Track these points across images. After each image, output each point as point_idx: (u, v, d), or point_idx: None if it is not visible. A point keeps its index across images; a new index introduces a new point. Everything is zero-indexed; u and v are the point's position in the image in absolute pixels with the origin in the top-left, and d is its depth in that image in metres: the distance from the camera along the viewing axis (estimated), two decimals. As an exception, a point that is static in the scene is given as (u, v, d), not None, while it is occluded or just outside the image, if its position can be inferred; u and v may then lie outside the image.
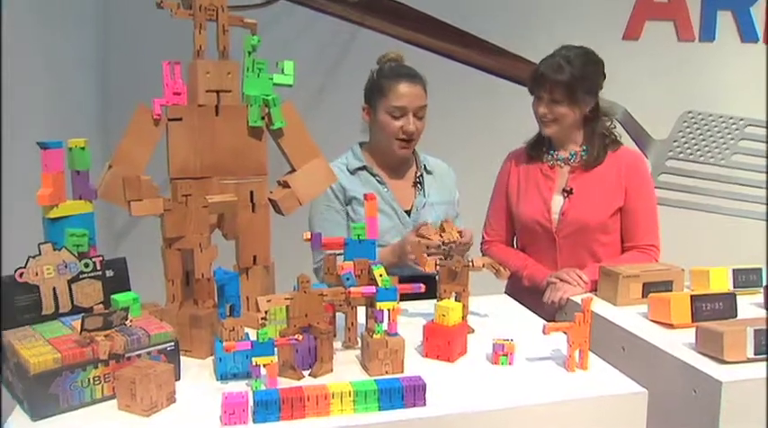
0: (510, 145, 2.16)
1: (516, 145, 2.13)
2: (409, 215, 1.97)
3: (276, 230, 1.48)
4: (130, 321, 1.23)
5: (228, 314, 1.30)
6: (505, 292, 2.01)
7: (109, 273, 1.30)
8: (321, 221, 1.92)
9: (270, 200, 1.48)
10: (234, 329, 1.25)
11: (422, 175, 2.02)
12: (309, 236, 1.40)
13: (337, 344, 1.39)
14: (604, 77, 1.95)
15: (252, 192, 1.45)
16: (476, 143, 3.12)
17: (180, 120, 1.37)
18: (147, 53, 2.10)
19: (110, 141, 2.30)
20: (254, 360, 1.17)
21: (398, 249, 1.78)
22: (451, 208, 2.04)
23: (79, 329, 1.14)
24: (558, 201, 1.99)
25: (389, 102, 1.88)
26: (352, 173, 1.97)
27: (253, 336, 1.24)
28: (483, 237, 2.15)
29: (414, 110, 1.89)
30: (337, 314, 1.40)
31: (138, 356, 1.18)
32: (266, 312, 1.21)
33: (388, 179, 1.99)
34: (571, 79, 1.88)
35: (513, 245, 2.13)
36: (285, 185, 1.49)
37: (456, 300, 1.48)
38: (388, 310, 1.26)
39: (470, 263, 1.49)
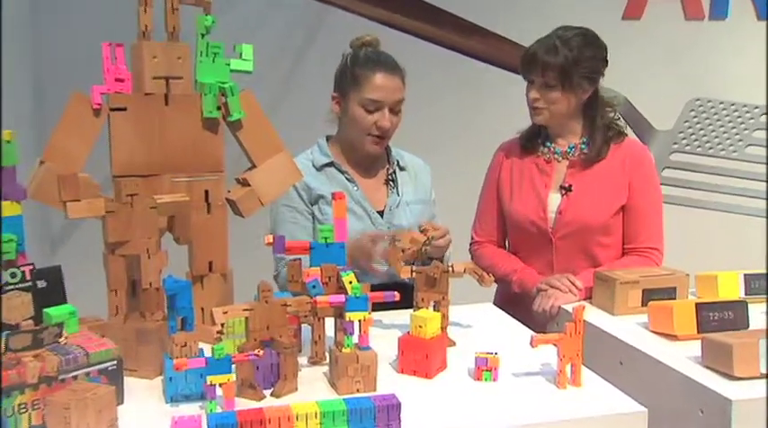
0: (495, 140, 2.18)
1: (503, 140, 2.15)
2: (382, 216, 1.98)
3: (234, 233, 1.49)
4: (65, 338, 1.22)
5: (180, 327, 1.30)
6: (495, 302, 2.03)
7: (41, 284, 1.29)
8: (284, 223, 1.93)
9: (227, 200, 1.49)
10: (186, 344, 1.26)
11: (395, 172, 2.04)
12: (271, 240, 1.40)
13: (302, 360, 1.39)
14: (606, 64, 1.97)
15: (207, 191, 1.46)
16: (456, 138, 3.13)
17: (124, 110, 1.37)
18: (84, 33, 2.09)
19: (43, 133, 2.28)
20: (208, 379, 1.16)
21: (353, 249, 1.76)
22: (428, 208, 2.06)
23: (2, 349, 1.12)
24: (554, 199, 2.00)
25: (364, 95, 1.90)
26: (319, 169, 1.98)
27: (208, 352, 1.24)
28: (472, 238, 2.17)
29: (390, 104, 1.91)
30: (302, 326, 1.41)
31: (75, 378, 1.16)
32: (223, 325, 1.23)
33: (358, 176, 2.00)
34: (566, 62, 1.89)
35: (505, 247, 2.15)
36: (244, 183, 1.50)
37: (434, 310, 1.49)
38: (359, 321, 1.27)
39: (450, 269, 1.50)
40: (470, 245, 2.17)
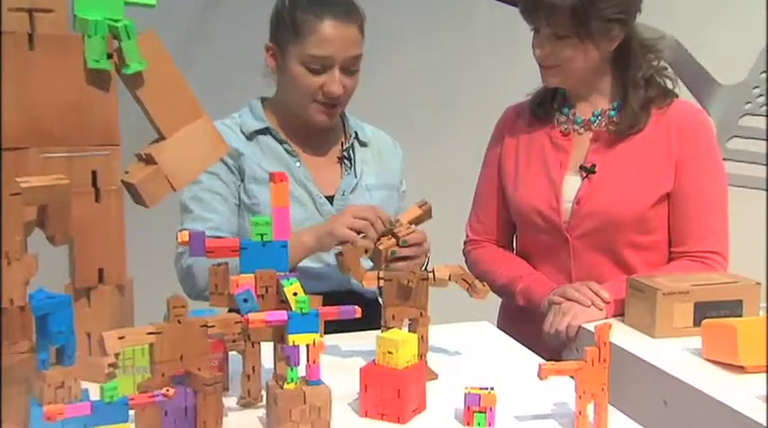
0: (494, 112, 2.18)
1: (501, 111, 2.17)
2: (332, 202, 2.02)
3: (135, 230, 1.49)
4: None
5: (55, 361, 1.27)
6: (499, 321, 2.07)
7: None
8: (199, 198, 1.94)
9: (124, 183, 1.47)
10: (63, 385, 1.23)
11: (352, 148, 2.08)
12: (187, 238, 1.41)
13: (230, 401, 1.40)
14: None
15: (94, 172, 1.44)
16: (439, 109, 3.14)
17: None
18: None
19: None
20: (96, 430, 1.15)
21: (324, 233, 1.81)
22: (394, 196, 2.09)
23: None
24: (572, 184, 2.02)
25: (306, 49, 1.92)
26: (249, 137, 2.00)
27: (95, 394, 1.21)
28: (467, 235, 2.20)
29: (343, 61, 1.93)
30: (230, 355, 1.42)
31: None
32: (118, 355, 1.21)
33: (302, 151, 2.03)
34: (578, 2, 1.89)
35: (511, 248, 2.18)
36: (148, 161, 1.48)
37: (410, 331, 1.50)
38: (307, 347, 1.28)
39: (431, 275, 1.51)
40: (464, 245, 2.20)
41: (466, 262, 2.17)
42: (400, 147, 2.20)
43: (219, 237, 1.79)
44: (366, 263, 1.65)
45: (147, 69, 1.44)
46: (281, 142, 2.00)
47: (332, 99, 1.94)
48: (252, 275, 1.39)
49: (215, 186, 1.96)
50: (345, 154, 2.06)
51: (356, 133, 2.08)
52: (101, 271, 1.46)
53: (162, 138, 1.49)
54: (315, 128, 2.01)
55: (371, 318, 1.53)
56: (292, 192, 1.91)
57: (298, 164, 2.00)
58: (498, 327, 1.98)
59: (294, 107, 1.98)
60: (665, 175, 1.99)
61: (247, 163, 1.96)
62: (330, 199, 2.01)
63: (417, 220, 1.71)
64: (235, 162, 1.97)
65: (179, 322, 1.25)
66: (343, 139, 2.08)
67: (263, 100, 2.05)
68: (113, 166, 1.45)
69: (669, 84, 2.04)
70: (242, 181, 1.97)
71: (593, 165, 2.00)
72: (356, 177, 2.04)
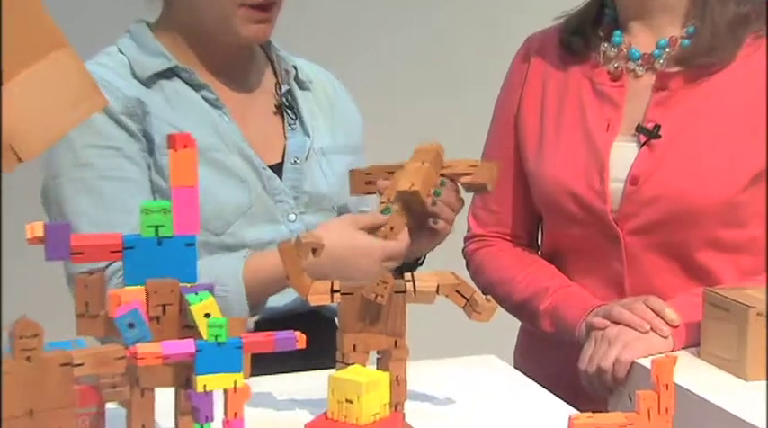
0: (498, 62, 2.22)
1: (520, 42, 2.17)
2: (280, 174, 1.98)
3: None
4: None
5: None
6: (516, 354, 2.12)
7: None
8: (95, 183, 1.87)
9: None
10: None
11: (290, 92, 2.05)
12: (41, 232, 1.33)
13: None
14: None
15: None
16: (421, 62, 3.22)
17: None
18: None
19: None
20: None
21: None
22: (360, 165, 2.02)
23: None
24: (625, 153, 1.98)
25: None
26: (148, 83, 1.93)
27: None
28: (469, 228, 2.18)
29: None
30: (108, 407, 1.34)
31: None
32: None
33: (225, 99, 1.98)
34: None
35: (534, 246, 2.19)
36: None
37: (378, 368, 1.47)
38: (225, 393, 1.26)
39: (410, 287, 1.46)
40: (466, 242, 2.18)
41: (467, 266, 2.15)
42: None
43: None
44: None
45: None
46: (197, 87, 1.94)
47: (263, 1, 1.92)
48: (141, 288, 1.32)
49: (120, 168, 1.89)
50: (285, 100, 2.03)
51: (294, 68, 2.06)
52: None
53: (-1, 82, 1.47)
54: (240, 55, 1.99)
55: (321, 349, 1.52)
56: (222, 162, 1.91)
57: (225, 119, 1.95)
58: (515, 365, 1.97)
59: (206, 23, 1.93)
60: (764, 142, 1.96)
61: (154, 123, 1.89)
62: (276, 168, 1.97)
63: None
64: (139, 124, 1.89)
65: (28, 359, 1.17)
66: (274, 78, 2.06)
67: (151, 25, 2.01)
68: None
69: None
70: (151, 153, 1.91)
71: (657, 126, 1.94)
72: (307, 136, 2.02)
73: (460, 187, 1.83)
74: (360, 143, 2.16)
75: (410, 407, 1.50)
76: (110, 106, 1.76)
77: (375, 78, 3.61)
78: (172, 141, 1.36)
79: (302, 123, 2.04)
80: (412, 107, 3.63)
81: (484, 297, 1.48)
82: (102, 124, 1.86)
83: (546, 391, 1.68)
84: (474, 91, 2.91)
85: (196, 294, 1.29)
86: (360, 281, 1.52)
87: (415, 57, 3.79)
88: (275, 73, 2.06)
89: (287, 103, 2.04)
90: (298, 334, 1.30)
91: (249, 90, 2.04)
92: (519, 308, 2.02)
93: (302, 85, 2.07)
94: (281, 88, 2.04)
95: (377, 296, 1.43)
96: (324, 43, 2.74)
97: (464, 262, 2.16)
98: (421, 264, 1.94)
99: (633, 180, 1.94)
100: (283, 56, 2.07)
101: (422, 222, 1.77)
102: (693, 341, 1.81)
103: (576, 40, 2.03)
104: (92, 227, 1.85)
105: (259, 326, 1.40)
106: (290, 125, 2.03)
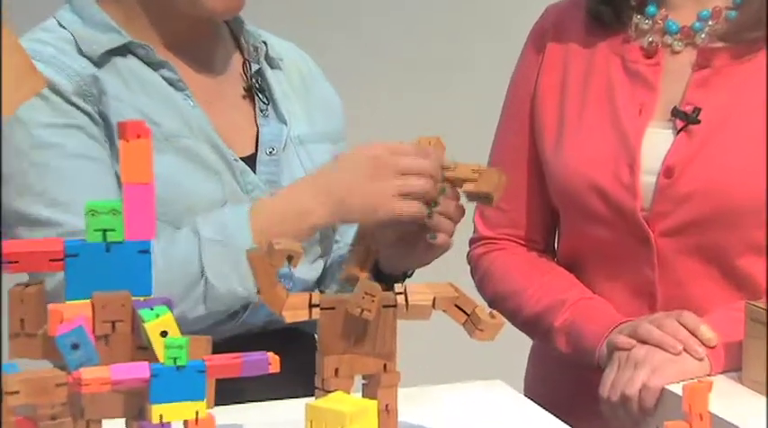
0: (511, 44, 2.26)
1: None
2: (254, 167, 1.97)
3: None
4: None
5: None
6: (527, 378, 2.14)
7: None
8: (59, 163, 1.83)
9: None
10: None
11: (260, 73, 2.04)
12: None
13: None
14: None
15: None
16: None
17: None
18: None
19: None
20: None
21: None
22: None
23: None
24: (659, 142, 1.97)
25: None
26: (99, 62, 1.89)
27: None
28: (475, 230, 2.19)
29: None
30: None
31: None
32: None
33: (190, 78, 1.96)
34: None
35: (551, 251, 2.19)
36: None
37: (365, 395, 1.46)
38: (185, 424, 1.25)
39: (401, 300, 1.45)
40: (471, 245, 2.18)
41: (472, 272, 2.16)
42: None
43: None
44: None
45: None
46: (155, 65, 1.90)
47: None
48: (87, 302, 1.30)
49: (86, 149, 1.85)
50: (255, 82, 2.01)
51: (264, 44, 2.04)
52: None
53: None
54: (203, 30, 1.96)
55: (297, 372, 1.55)
56: (193, 150, 1.88)
57: (190, 102, 1.92)
58: (525, 392, 1.97)
59: None
60: None
61: (112, 105, 1.85)
62: (249, 161, 1.95)
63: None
64: (95, 106, 1.85)
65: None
66: (240, 57, 2.04)
67: None
68: None
69: None
70: (111, 139, 1.85)
71: (697, 110, 1.92)
72: (284, 123, 2.01)
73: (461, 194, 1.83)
74: (340, 129, 2.15)
75: (403, 441, 1.49)
76: (62, 85, 1.75)
77: (355, 61, 3.66)
78: (122, 130, 1.33)
79: (276, 108, 2.03)
80: (396, 94, 3.70)
81: (488, 312, 1.46)
82: (59, 103, 1.82)
83: (561, 422, 1.66)
84: (462, 77, 2.94)
85: (151, 309, 1.27)
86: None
87: (399, 38, 3.88)
88: (241, 51, 2.06)
89: (257, 85, 2.03)
90: (270, 355, 1.28)
91: (214, 71, 2.02)
92: (530, 325, 2.02)
93: (272, 64, 2.07)
94: (249, 68, 2.03)
95: (363, 311, 1.41)
96: (300, 22, 2.70)
97: (467, 267, 2.16)
98: (410, 276, 1.94)
99: (667, 172, 1.92)
100: (251, 30, 2.06)
101: (417, 235, 1.76)
102: (734, 364, 1.80)
103: (606, 10, 2.01)
104: (54, 212, 1.82)
105: (227, 345, 1.37)
106: (261, 111, 2.02)
